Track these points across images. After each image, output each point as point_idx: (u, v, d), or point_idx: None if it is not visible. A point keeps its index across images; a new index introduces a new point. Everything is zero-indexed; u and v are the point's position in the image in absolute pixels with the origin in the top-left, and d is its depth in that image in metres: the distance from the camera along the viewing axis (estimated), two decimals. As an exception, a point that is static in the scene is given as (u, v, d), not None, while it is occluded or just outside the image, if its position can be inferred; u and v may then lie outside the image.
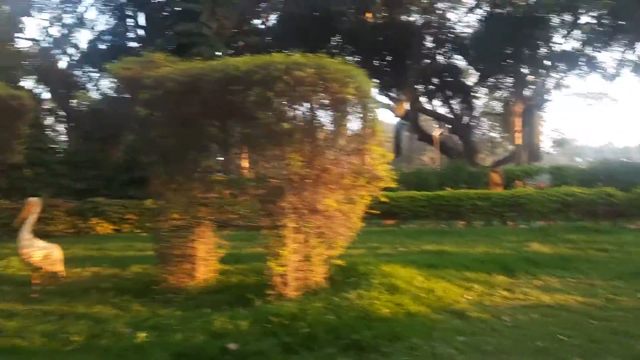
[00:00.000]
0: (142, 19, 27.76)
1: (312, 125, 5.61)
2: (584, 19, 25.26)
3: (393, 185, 6.34)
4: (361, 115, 5.97)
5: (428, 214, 13.97)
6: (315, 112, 5.67)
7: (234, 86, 5.50)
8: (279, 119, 5.35)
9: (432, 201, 13.85)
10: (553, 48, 25.94)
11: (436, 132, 26.95)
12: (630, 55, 25.40)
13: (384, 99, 31.13)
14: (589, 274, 7.21)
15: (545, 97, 28.55)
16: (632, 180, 15.18)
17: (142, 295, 6.24)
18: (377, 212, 6.64)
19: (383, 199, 6.33)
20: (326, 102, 5.65)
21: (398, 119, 33.82)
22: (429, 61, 29.76)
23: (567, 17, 24.89)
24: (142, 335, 4.66)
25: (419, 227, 13.80)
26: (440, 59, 30.50)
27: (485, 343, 4.57)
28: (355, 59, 28.31)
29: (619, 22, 23.63)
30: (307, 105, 5.64)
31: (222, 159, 6.74)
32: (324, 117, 5.67)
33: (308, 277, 5.90)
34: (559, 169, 19.44)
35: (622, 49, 25.01)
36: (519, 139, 25.48)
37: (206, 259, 6.84)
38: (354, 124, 5.94)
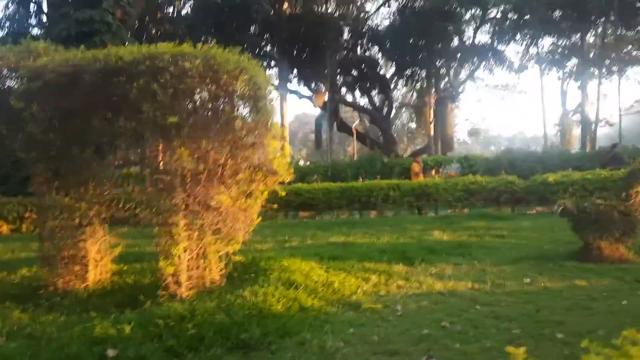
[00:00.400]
0: (44, 4, 25.96)
1: (202, 118, 5.42)
2: (492, 14, 26.54)
3: (289, 178, 6.29)
4: (256, 108, 5.85)
5: (342, 205, 14.15)
6: (206, 104, 5.49)
7: (117, 77, 5.20)
8: (165, 112, 5.12)
9: (345, 192, 14.03)
10: (464, 41, 27.08)
11: (355, 123, 27.32)
12: (533, 49, 27.01)
13: (304, 90, 31.17)
14: (482, 260, 7.55)
15: (458, 89, 29.83)
16: (531, 168, 16.17)
17: (26, 301, 5.81)
18: (275, 206, 6.53)
19: (282, 193, 6.25)
20: (217, 94, 5.47)
21: (319, 111, 34.05)
22: (346, 53, 30.08)
23: (477, 11, 26.02)
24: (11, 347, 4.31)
25: (334, 219, 13.97)
26: (358, 50, 30.90)
27: (373, 334, 4.63)
28: (274, 50, 28.14)
29: (524, 17, 25.03)
30: (196, 97, 5.43)
31: (112, 154, 6.38)
32: (215, 110, 5.48)
33: (204, 276, 5.74)
34: (467, 158, 20.32)
35: (527, 43, 26.53)
36: (432, 129, 26.44)
37: (98, 259, 6.49)
38: (248, 117, 5.81)
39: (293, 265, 6.41)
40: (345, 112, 48.20)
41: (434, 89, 26.68)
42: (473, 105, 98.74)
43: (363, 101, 36.56)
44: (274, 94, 26.38)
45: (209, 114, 5.46)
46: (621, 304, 5.17)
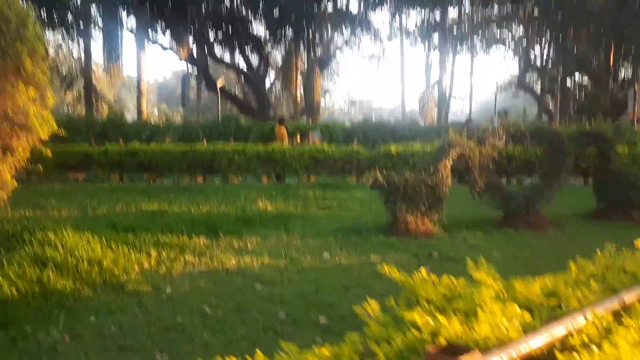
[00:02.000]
0: None
1: None
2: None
3: (62, 134, 5.32)
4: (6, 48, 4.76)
5: (183, 169, 13.20)
6: None
7: None
8: None
9: (186, 155, 13.08)
10: (338, 8, 26.77)
11: (219, 80, 25.99)
12: (400, 21, 27.51)
13: (168, 42, 29.06)
14: (296, 233, 7.18)
15: (330, 55, 29.64)
16: (383, 139, 16.37)
17: None
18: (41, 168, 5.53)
19: (46, 153, 5.26)
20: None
21: (186, 69, 32.09)
22: (215, 4, 28.41)
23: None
24: None
25: (174, 184, 13.03)
26: (227, 2, 29.34)
27: (115, 323, 3.96)
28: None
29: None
30: None
31: None
32: None
33: None
34: (328, 127, 20.19)
35: (392, 13, 26.91)
36: (299, 95, 26.03)
37: None
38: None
39: (64, 238, 5.48)
40: (220, 72, 46.30)
41: (301, 54, 26.15)
42: (354, 76, 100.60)
43: (237, 63, 35.24)
44: (131, 43, 24.06)
45: None
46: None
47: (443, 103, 24.76)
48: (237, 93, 37.93)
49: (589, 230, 7.48)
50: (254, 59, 33.14)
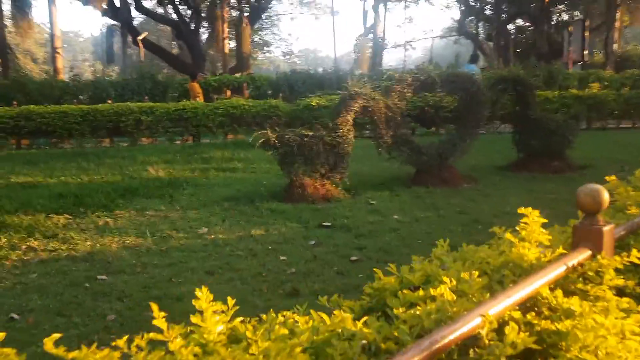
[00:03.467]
0: None
1: None
2: None
3: None
4: None
5: (85, 132, 11.91)
6: None
7: None
8: None
9: (88, 116, 11.77)
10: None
11: (142, 35, 24.12)
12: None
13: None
14: (182, 203, 6.32)
15: (262, 4, 28.02)
16: (310, 91, 15.42)
17: None
18: None
19: None
20: None
21: (111, 23, 29.69)
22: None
23: None
24: None
25: (74, 148, 11.77)
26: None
27: None
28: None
29: None
30: None
31: None
32: None
33: None
34: (254, 79, 19.04)
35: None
36: (226, 47, 24.50)
37: None
38: None
39: None
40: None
41: (226, 2, 24.43)
42: (298, 26, 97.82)
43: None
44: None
45: None
46: (274, 261, 4.26)
47: (378, 50, 23.87)
48: (173, 50, 35.87)
49: (504, 184, 6.97)
50: (187, 12, 31.10)
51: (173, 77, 17.36)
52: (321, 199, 6.24)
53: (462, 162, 8.10)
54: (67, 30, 57.16)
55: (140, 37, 23.49)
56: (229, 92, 20.05)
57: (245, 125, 12.55)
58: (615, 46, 28.72)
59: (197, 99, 14.65)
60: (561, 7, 35.03)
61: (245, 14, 27.27)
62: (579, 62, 25.11)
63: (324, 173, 6.37)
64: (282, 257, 4.37)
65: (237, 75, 20.53)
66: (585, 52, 25.74)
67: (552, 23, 30.91)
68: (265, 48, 47.03)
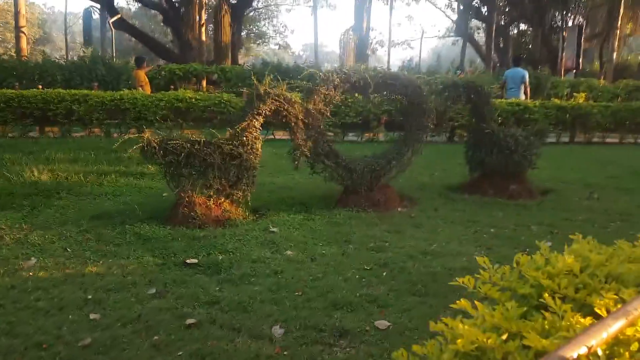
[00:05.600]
0: None
1: None
2: None
3: None
4: None
5: (8, 120, 10.68)
6: None
7: None
8: None
9: (11, 103, 10.54)
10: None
11: (115, 18, 22.80)
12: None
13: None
14: (39, 219, 5.13)
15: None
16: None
17: None
18: None
19: None
20: None
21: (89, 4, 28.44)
22: None
23: None
24: None
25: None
26: None
27: None
28: None
29: None
30: None
31: None
32: None
33: None
34: (224, 70, 17.83)
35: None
36: (203, 34, 23.20)
37: None
38: None
39: None
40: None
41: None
42: (297, 19, 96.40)
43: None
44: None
45: None
46: (77, 322, 3.07)
47: (363, 46, 22.63)
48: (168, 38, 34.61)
49: (445, 210, 5.77)
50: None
51: (127, 62, 16.01)
52: (213, 221, 5.06)
53: (410, 178, 6.96)
54: (69, 11, 55.41)
55: (111, 20, 22.15)
56: (204, 83, 18.92)
57: (192, 121, 11.35)
58: (614, 55, 27.55)
59: (141, 88, 13.23)
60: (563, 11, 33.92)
61: (228, 1, 25.99)
62: (574, 69, 23.88)
63: (221, 189, 5.18)
64: (93, 316, 3.19)
65: (208, 66, 19.30)
66: (581, 59, 24.49)
67: (551, 27, 29.64)
68: (261, 40, 45.79)
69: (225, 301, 3.42)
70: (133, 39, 36.88)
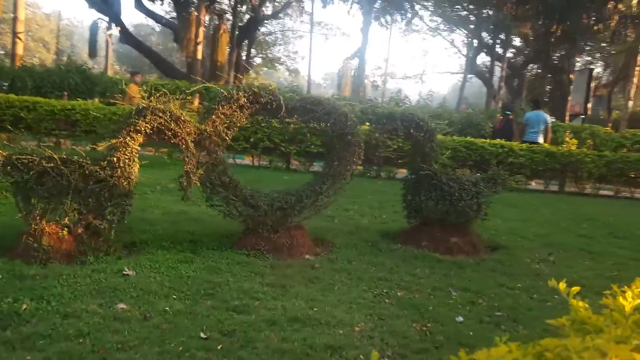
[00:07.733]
0: None
1: None
2: None
3: None
4: None
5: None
6: None
7: None
8: None
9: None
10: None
11: (110, 32, 22.52)
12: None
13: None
14: None
15: (257, 18, 26.45)
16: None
17: None
18: None
19: None
20: None
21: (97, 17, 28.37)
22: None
23: None
24: None
25: None
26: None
27: None
28: None
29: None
30: None
31: None
32: None
33: None
34: (209, 90, 17.23)
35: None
36: (199, 52, 22.72)
37: None
38: None
39: None
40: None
41: (205, 5, 22.77)
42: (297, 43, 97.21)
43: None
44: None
45: None
46: None
47: (362, 74, 21.93)
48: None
49: (359, 264, 4.80)
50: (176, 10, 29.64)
51: (103, 74, 15.46)
52: (64, 256, 4.18)
53: (347, 218, 6.07)
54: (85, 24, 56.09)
55: (108, 32, 21.87)
56: (196, 102, 18.35)
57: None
58: (630, 103, 26.52)
59: (133, 100, 12.67)
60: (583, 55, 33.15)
61: (236, 20, 25.69)
62: (581, 114, 22.86)
63: (81, 218, 4.32)
64: None
65: (192, 84, 18.80)
66: (590, 104, 23.48)
67: (562, 69, 28.71)
68: (271, 64, 45.63)
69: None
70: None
